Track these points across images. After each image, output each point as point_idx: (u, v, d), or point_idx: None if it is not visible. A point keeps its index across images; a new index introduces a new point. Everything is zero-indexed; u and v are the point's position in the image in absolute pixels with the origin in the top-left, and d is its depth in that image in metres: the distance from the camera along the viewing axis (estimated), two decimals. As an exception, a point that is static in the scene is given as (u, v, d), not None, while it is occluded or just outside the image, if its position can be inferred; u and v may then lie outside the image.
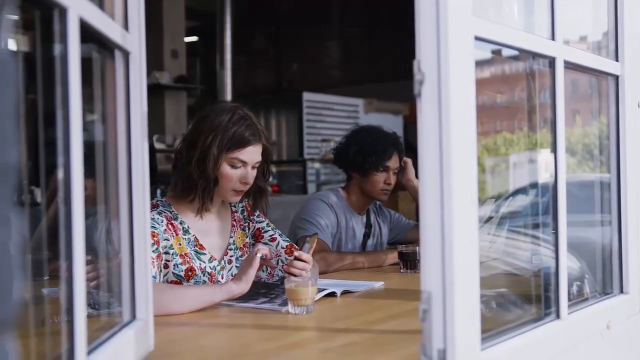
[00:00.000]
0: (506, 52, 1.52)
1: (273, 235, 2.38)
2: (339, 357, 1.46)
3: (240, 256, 2.30)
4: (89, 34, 1.10)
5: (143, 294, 1.38)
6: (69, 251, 1.00)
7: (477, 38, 1.23)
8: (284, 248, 2.34)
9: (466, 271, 1.18)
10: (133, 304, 1.37)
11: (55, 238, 1.05)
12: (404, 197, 6.44)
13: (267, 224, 2.40)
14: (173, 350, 1.53)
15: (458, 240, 1.15)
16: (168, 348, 1.51)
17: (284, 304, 1.88)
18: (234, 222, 2.34)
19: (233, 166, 2.15)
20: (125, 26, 1.33)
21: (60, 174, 1.00)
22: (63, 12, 0.98)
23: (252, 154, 2.17)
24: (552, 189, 1.52)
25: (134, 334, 1.31)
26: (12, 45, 0.59)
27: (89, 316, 1.05)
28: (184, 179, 2.16)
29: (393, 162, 2.98)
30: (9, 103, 0.56)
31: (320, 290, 2.02)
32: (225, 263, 2.26)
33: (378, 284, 2.32)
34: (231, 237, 2.31)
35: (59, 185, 1.02)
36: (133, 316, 1.36)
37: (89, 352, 1.08)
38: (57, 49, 1.00)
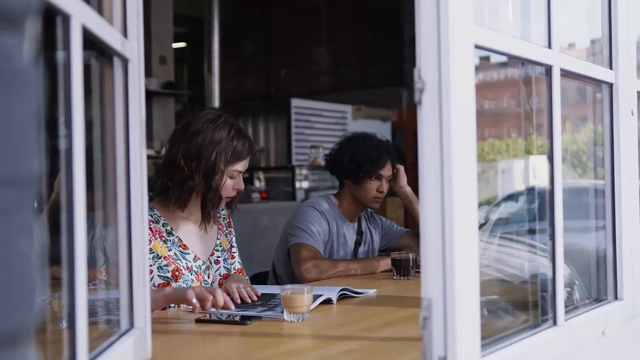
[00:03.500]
0: (494, 58, 1.53)
1: (234, 253, 2.48)
2: (338, 364, 1.45)
3: (226, 258, 2.39)
4: (88, 40, 1.10)
5: (141, 302, 1.37)
6: (70, 260, 0.99)
7: (477, 46, 1.24)
8: (235, 270, 2.42)
9: (466, 278, 1.18)
10: (131, 312, 1.36)
11: (51, 243, 1.04)
12: (392, 203, 6.45)
13: (235, 240, 2.51)
14: (170, 358, 1.52)
15: (459, 248, 1.15)
16: (165, 356, 1.50)
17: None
18: (220, 226, 2.43)
19: (231, 177, 2.27)
20: (124, 33, 1.33)
21: (62, 181, 1.00)
22: (66, 19, 0.97)
23: (247, 163, 2.32)
24: (549, 196, 1.53)
25: (133, 342, 1.31)
26: (34, 53, 0.59)
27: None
28: (186, 192, 2.22)
29: (386, 171, 2.98)
30: (32, 112, 0.56)
31: (317, 297, 2.02)
32: (212, 263, 2.34)
33: (372, 292, 2.32)
34: (218, 239, 2.39)
35: (55, 191, 1.01)
36: (131, 324, 1.36)
37: (90, 361, 1.07)
38: (59, 55, 1.00)
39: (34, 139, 0.56)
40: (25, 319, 0.55)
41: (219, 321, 1.84)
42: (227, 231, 2.46)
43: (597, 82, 1.81)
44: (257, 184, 7.40)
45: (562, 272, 1.52)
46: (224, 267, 2.37)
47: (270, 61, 10.14)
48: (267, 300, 2.09)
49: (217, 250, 2.37)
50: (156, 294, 1.99)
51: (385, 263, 2.78)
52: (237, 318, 1.86)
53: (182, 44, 9.93)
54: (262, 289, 2.23)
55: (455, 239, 1.15)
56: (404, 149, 7.33)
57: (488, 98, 1.91)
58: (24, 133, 0.55)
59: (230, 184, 2.27)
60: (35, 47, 0.60)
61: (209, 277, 2.31)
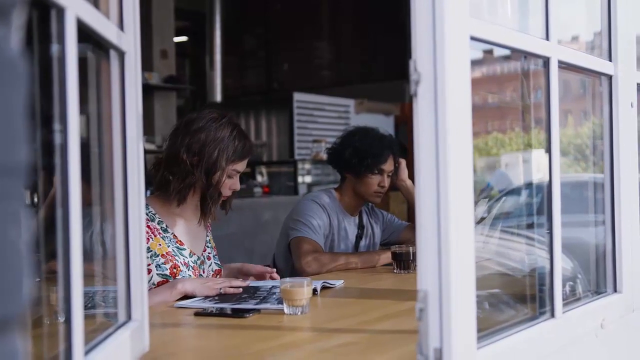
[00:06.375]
0: (497, 52, 1.52)
1: (212, 254, 2.48)
2: (335, 357, 1.46)
3: (215, 255, 2.45)
4: (84, 33, 1.10)
5: (138, 294, 1.38)
6: (66, 252, 1.00)
7: (473, 38, 1.23)
8: (213, 271, 2.42)
9: (462, 270, 1.18)
10: (128, 304, 1.36)
11: (50, 238, 1.05)
12: (395, 197, 6.46)
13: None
14: (168, 351, 1.53)
15: (454, 239, 1.15)
16: (163, 349, 1.51)
17: (281, 302, 1.87)
18: (208, 225, 2.47)
19: (229, 176, 2.30)
20: (121, 26, 1.33)
21: (57, 175, 1.00)
22: (60, 12, 0.97)
23: (245, 164, 2.35)
24: (547, 189, 1.53)
25: (130, 334, 1.31)
26: (21, 44, 0.59)
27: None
28: (187, 186, 2.25)
29: (388, 165, 2.98)
30: (20, 102, 0.56)
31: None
32: (205, 258, 2.38)
33: (339, 282, 2.34)
34: (207, 236, 2.44)
35: (53, 186, 1.01)
36: (128, 317, 1.36)
37: (86, 353, 1.08)
38: (53, 48, 1.00)
39: (22, 129, 0.57)
40: (13, 307, 0.56)
41: (218, 314, 1.85)
42: (211, 230, 2.51)
43: (597, 75, 1.81)
44: (259, 178, 7.41)
45: (560, 264, 1.52)
46: (214, 263, 2.43)
47: (272, 55, 10.15)
48: (253, 293, 2.10)
49: (208, 247, 2.42)
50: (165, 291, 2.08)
51: (386, 256, 2.79)
52: (236, 311, 1.86)
53: (183, 38, 9.93)
54: (252, 283, 2.28)
55: (450, 230, 1.15)
56: (407, 143, 7.32)
57: (492, 91, 1.91)
58: (11, 123, 0.55)
59: (228, 183, 2.30)
60: (23, 38, 0.60)
61: (203, 272, 2.35)
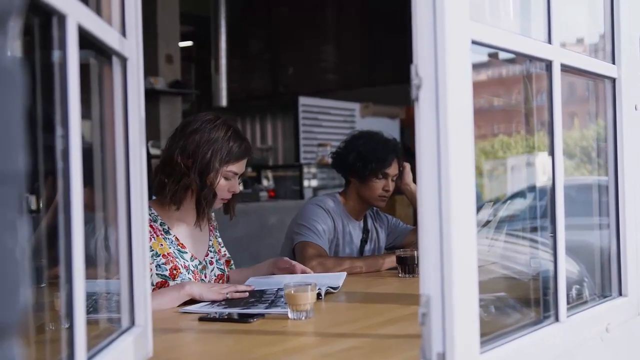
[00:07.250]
0: (503, 55, 1.52)
1: (223, 249, 2.50)
2: (338, 361, 1.45)
3: (218, 259, 2.43)
4: (86, 40, 1.10)
5: (142, 300, 1.38)
6: (68, 258, 1.00)
7: (475, 42, 1.23)
8: (215, 276, 2.42)
9: (465, 274, 1.18)
10: (132, 310, 1.36)
11: (53, 244, 1.05)
12: (401, 201, 6.44)
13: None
14: (171, 356, 1.53)
15: (456, 244, 1.15)
16: (166, 354, 1.51)
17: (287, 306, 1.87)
18: (211, 228, 2.46)
19: (226, 178, 2.29)
20: (123, 32, 1.33)
21: (59, 180, 1.00)
22: (62, 19, 0.98)
23: (243, 166, 2.33)
24: (550, 192, 1.53)
25: (133, 340, 1.31)
26: (18, 52, 0.59)
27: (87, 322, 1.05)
28: (182, 188, 2.24)
29: (392, 169, 2.97)
30: (16, 110, 0.56)
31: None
32: (207, 263, 2.37)
33: (342, 275, 2.38)
34: (210, 240, 2.43)
35: (58, 192, 1.02)
36: (132, 322, 1.36)
37: (89, 359, 1.08)
38: (55, 55, 1.00)
39: (19, 137, 0.57)
40: (9, 315, 0.56)
41: (222, 319, 1.85)
42: (216, 234, 2.50)
43: (600, 77, 1.81)
44: (265, 182, 7.41)
45: (564, 268, 1.51)
46: (217, 267, 2.42)
47: (277, 59, 10.14)
48: (260, 297, 2.10)
49: (210, 252, 2.41)
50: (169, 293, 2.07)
51: (390, 260, 2.78)
52: (240, 316, 1.86)
53: (188, 43, 9.93)
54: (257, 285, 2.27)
55: (453, 234, 1.15)
56: (412, 146, 7.31)
57: (498, 94, 1.90)
58: (8, 131, 0.55)
59: (225, 185, 2.28)
60: (22, 46, 0.60)
61: (205, 277, 2.34)
